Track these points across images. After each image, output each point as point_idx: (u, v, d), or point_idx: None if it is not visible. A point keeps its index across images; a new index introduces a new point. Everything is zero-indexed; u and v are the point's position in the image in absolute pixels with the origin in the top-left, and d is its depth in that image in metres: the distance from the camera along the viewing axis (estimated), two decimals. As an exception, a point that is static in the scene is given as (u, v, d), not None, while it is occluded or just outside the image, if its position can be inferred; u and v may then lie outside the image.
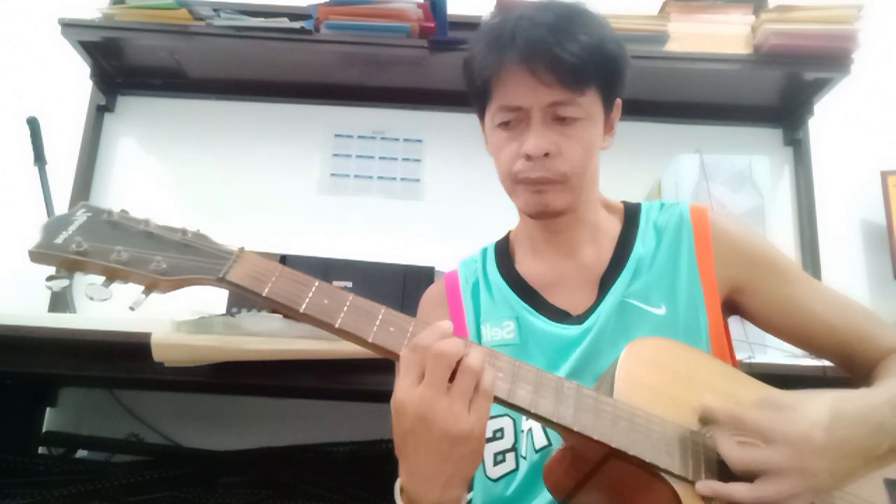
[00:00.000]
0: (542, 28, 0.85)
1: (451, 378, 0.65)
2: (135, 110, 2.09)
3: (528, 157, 0.88)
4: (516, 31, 0.86)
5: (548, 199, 0.90)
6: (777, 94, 1.99)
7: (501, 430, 0.90)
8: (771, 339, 1.57)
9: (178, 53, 1.93)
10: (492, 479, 0.89)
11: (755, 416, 0.69)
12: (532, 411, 0.67)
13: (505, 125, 0.91)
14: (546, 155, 0.87)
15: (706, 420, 0.71)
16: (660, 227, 0.98)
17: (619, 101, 0.96)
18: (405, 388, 0.65)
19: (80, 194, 1.96)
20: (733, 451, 0.68)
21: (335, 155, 2.08)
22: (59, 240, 0.66)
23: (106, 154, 2.05)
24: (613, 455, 0.68)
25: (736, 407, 0.70)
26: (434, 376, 0.64)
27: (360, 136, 2.09)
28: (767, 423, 0.68)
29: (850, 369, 0.93)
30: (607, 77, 0.90)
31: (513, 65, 0.86)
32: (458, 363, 0.65)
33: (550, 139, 0.87)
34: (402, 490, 0.70)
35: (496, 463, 0.89)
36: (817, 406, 0.70)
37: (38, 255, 0.66)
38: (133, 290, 0.67)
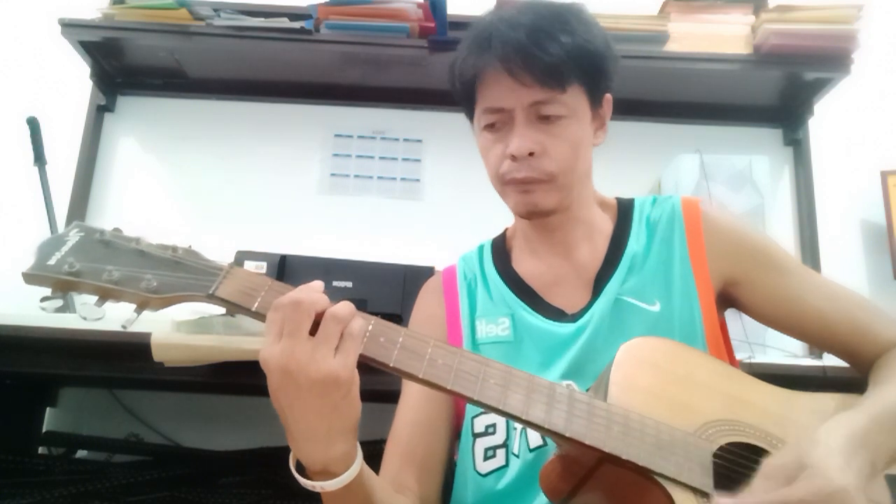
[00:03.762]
0: (520, 29, 0.85)
1: (315, 331, 0.64)
2: (135, 110, 2.09)
3: (514, 158, 0.88)
4: (492, 34, 0.87)
5: (536, 199, 0.90)
6: (777, 94, 1.99)
7: (494, 425, 0.90)
8: (771, 339, 1.58)
9: (178, 53, 1.93)
10: (481, 474, 0.89)
11: (791, 495, 0.64)
12: (524, 418, 0.67)
13: (490, 127, 0.91)
14: (531, 154, 0.88)
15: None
16: (652, 222, 0.98)
17: (609, 97, 0.96)
18: (267, 345, 0.63)
19: (80, 194, 1.97)
20: None
21: (335, 155, 2.08)
22: (52, 261, 0.66)
23: (106, 154, 2.05)
24: (607, 460, 0.67)
25: (763, 495, 0.66)
26: (292, 326, 0.62)
27: (360, 136, 2.09)
28: (808, 496, 0.64)
29: (852, 362, 0.93)
30: (590, 73, 0.90)
31: (491, 68, 0.87)
32: (323, 314, 0.64)
33: (534, 138, 0.88)
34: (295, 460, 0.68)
35: (486, 458, 0.89)
36: (829, 454, 0.67)
37: (31, 277, 0.66)
38: (127, 307, 0.68)
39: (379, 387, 0.98)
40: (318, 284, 0.67)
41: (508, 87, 0.87)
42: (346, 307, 0.65)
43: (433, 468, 0.92)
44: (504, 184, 0.92)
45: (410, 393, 0.96)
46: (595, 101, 0.93)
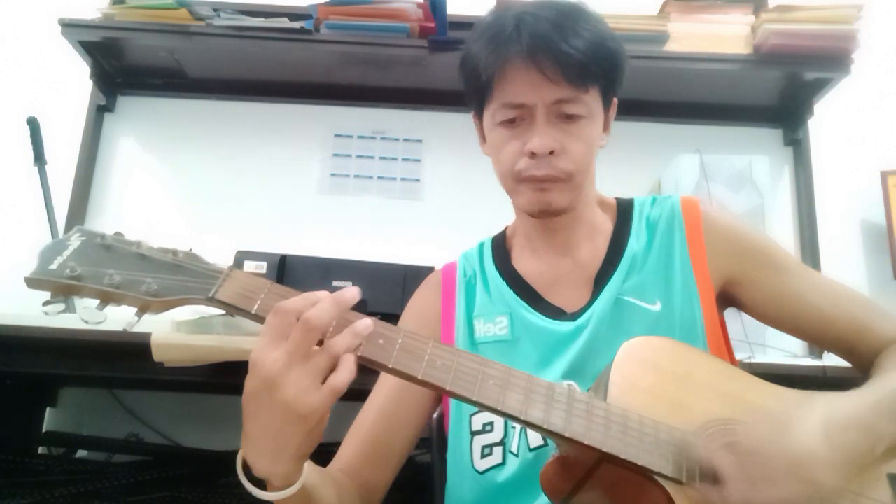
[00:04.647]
0: (546, 24, 0.84)
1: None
2: (135, 110, 2.09)
3: (533, 155, 0.87)
4: (521, 27, 0.85)
5: (551, 198, 0.90)
6: (777, 94, 1.99)
7: (491, 423, 0.90)
8: (771, 339, 1.58)
9: (178, 53, 1.93)
10: (478, 472, 0.89)
11: (752, 440, 0.66)
12: (523, 419, 0.67)
13: (508, 123, 0.90)
14: (551, 153, 0.87)
15: (709, 469, 0.68)
16: (652, 222, 0.98)
17: (615, 101, 0.96)
18: (263, 348, 0.63)
19: (80, 194, 1.97)
20: (740, 481, 0.65)
21: (335, 155, 2.08)
22: (54, 265, 0.67)
23: (106, 154, 2.05)
24: (606, 459, 0.67)
25: (728, 450, 0.67)
26: (296, 345, 0.62)
27: (360, 136, 2.10)
28: (767, 446, 0.66)
29: (852, 360, 0.93)
30: (609, 75, 0.90)
31: (518, 61, 0.85)
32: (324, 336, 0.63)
33: (555, 137, 0.87)
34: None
35: (483, 456, 0.89)
36: (810, 419, 0.69)
37: (34, 282, 0.67)
38: (128, 310, 0.68)
39: (355, 385, 0.97)
40: (321, 294, 0.65)
41: (533, 82, 0.85)
42: (344, 342, 0.64)
43: (389, 458, 0.92)
44: (519, 181, 0.91)
45: (385, 382, 0.96)
46: (607, 103, 0.93)
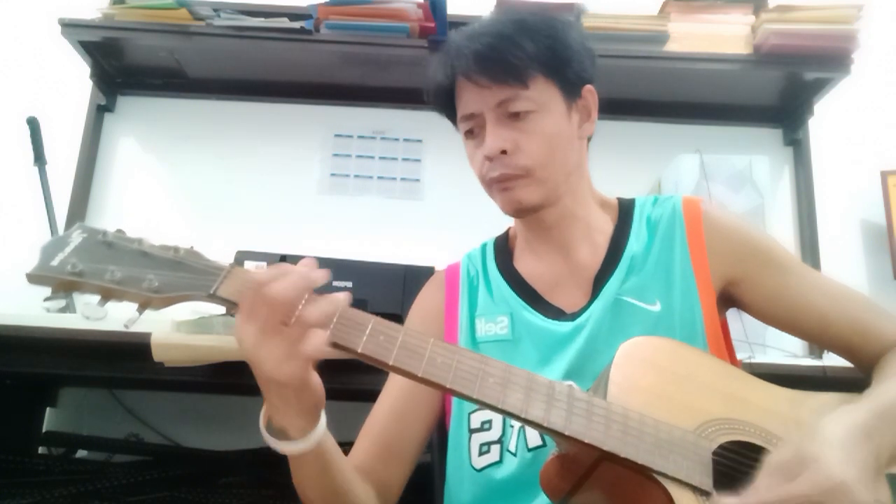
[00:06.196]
0: (477, 40, 0.89)
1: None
2: (135, 110, 2.09)
3: (489, 158, 0.90)
4: (450, 48, 0.93)
5: (517, 195, 0.91)
6: (777, 94, 2.00)
7: (490, 421, 0.90)
8: (771, 339, 1.58)
9: (178, 53, 1.93)
10: (476, 469, 0.89)
11: (793, 491, 0.64)
12: (523, 417, 0.67)
13: (469, 133, 0.95)
14: (505, 153, 0.89)
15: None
16: (653, 222, 0.98)
17: (590, 88, 0.96)
18: (238, 325, 0.66)
19: (80, 194, 1.97)
20: None
21: (335, 155, 2.09)
22: (56, 262, 0.67)
23: (106, 154, 2.05)
24: (606, 458, 0.67)
25: (765, 493, 0.66)
26: (263, 320, 0.64)
27: (360, 136, 2.10)
28: (809, 490, 0.64)
29: (853, 360, 0.93)
30: (552, 65, 0.90)
31: (458, 76, 0.92)
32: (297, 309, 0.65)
33: (505, 136, 0.89)
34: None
35: (481, 453, 0.89)
36: (830, 448, 0.67)
37: (35, 278, 0.67)
38: (129, 306, 0.68)
39: (381, 387, 0.98)
40: (299, 266, 0.67)
41: (473, 92, 0.91)
42: (315, 313, 0.65)
43: (402, 456, 0.93)
44: (488, 185, 0.94)
45: (395, 381, 0.96)
46: (570, 93, 0.93)
